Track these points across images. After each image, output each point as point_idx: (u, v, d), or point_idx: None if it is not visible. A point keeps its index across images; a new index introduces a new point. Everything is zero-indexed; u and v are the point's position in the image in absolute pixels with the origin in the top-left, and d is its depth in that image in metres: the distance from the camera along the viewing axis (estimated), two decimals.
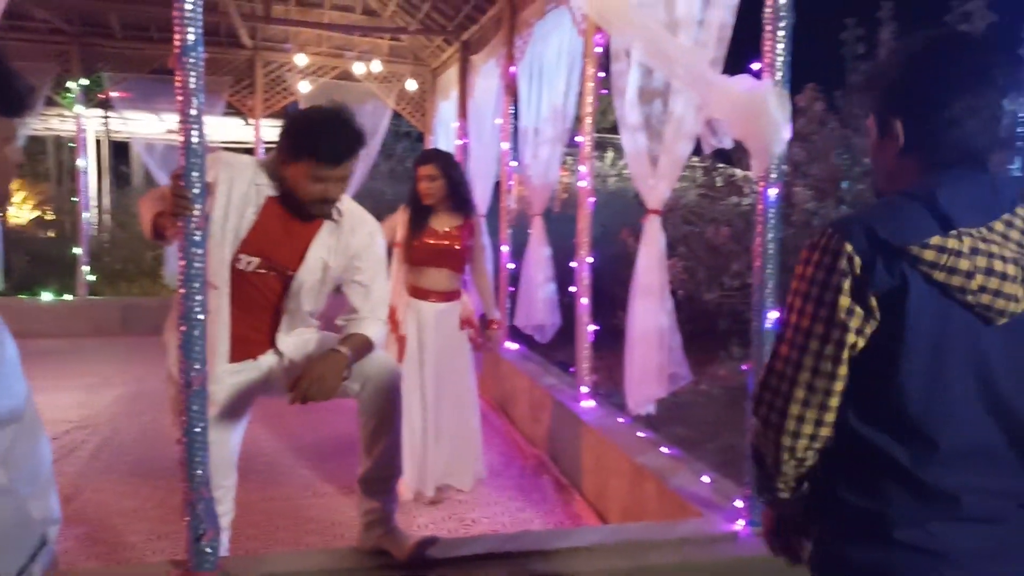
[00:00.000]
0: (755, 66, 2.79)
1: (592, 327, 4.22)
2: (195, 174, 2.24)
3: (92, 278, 8.41)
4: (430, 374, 3.86)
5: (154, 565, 2.53)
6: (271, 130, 12.59)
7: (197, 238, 2.24)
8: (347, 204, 2.54)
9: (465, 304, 4.00)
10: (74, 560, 3.23)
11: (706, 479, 3.16)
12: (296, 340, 2.59)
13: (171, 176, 2.29)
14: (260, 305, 2.53)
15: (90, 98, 8.50)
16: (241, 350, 2.52)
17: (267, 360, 2.59)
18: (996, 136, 1.26)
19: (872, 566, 1.24)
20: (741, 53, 3.09)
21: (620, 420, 3.91)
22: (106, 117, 11.62)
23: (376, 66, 8.22)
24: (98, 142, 13.26)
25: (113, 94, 8.45)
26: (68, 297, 8.34)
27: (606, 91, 4.52)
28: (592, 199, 4.29)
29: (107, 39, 8.07)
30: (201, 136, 2.26)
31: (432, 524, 3.63)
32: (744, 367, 2.82)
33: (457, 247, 3.85)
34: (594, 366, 4.29)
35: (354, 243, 2.55)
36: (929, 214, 1.16)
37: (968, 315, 1.16)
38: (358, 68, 8.26)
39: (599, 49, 4.26)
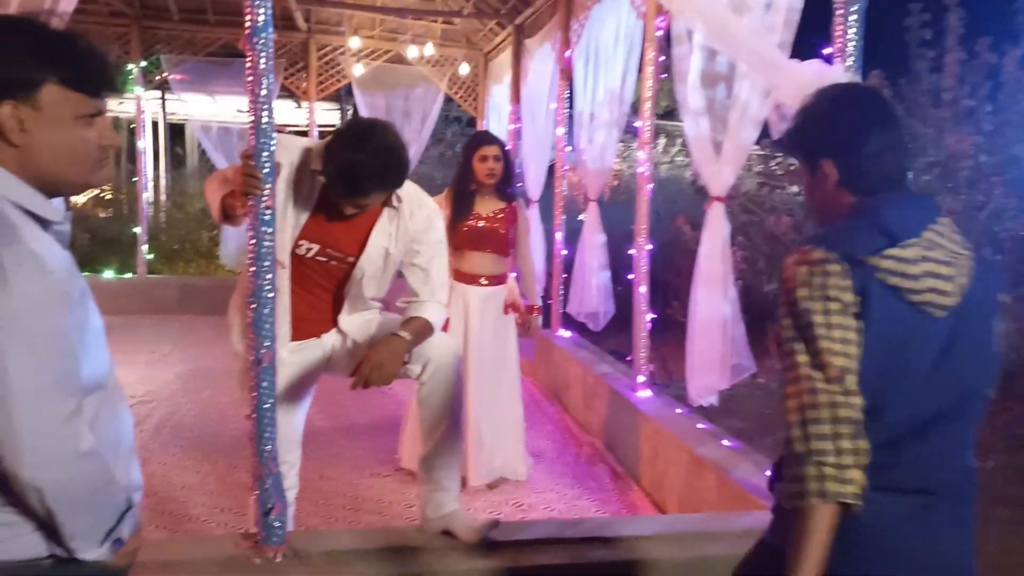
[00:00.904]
0: (825, 51, 2.72)
1: (650, 315, 4.17)
2: (265, 154, 2.25)
3: (150, 257, 8.59)
4: (474, 358, 3.83)
5: (225, 537, 2.57)
6: (324, 113, 12.76)
7: (267, 217, 2.26)
8: (406, 187, 2.53)
9: (511, 288, 3.97)
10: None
11: (768, 472, 3.10)
12: (358, 320, 2.61)
13: (241, 155, 2.31)
14: (322, 289, 2.54)
15: (148, 80, 8.64)
16: (304, 329, 2.54)
17: (330, 339, 2.61)
18: (908, 163, 1.57)
19: None
20: (806, 39, 3.02)
21: (678, 411, 3.86)
22: (163, 99, 11.85)
23: (429, 49, 8.21)
24: (155, 124, 13.51)
25: (170, 76, 8.58)
26: (128, 275, 8.53)
27: (666, 75, 4.46)
28: (650, 186, 4.24)
29: (165, 22, 8.19)
30: (271, 116, 2.27)
31: (488, 509, 3.64)
32: None
33: (502, 231, 3.82)
34: (649, 358, 4.24)
35: (413, 227, 2.54)
36: (877, 231, 1.40)
37: (915, 311, 1.38)
38: (411, 51, 8.27)
39: (660, 32, 4.19)
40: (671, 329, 5.51)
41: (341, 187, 2.29)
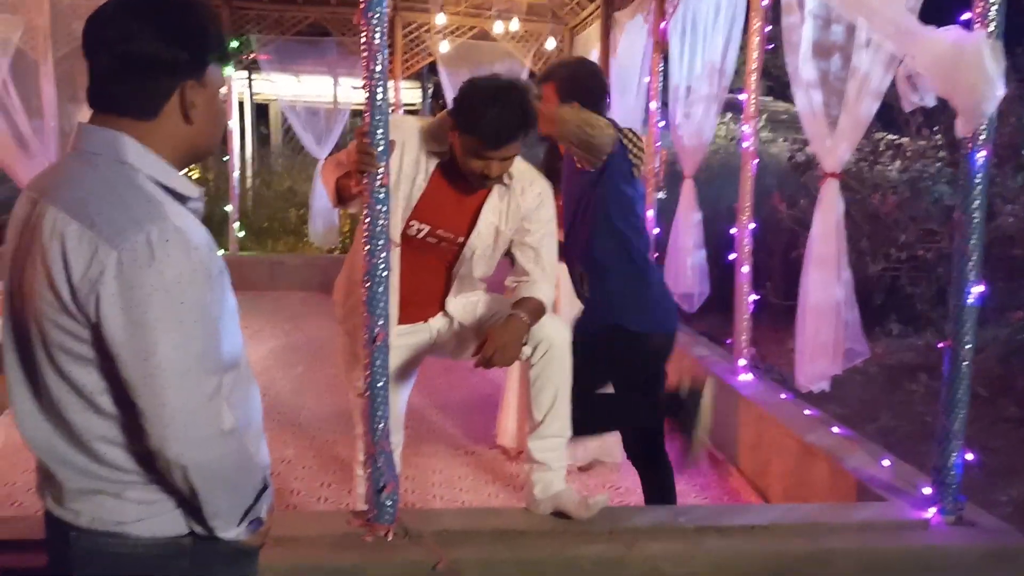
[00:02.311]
0: (963, 16, 2.54)
1: (752, 297, 4.03)
2: (380, 131, 2.22)
3: (241, 235, 8.79)
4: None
5: (336, 514, 2.60)
6: (409, 92, 12.80)
7: (382, 195, 2.23)
8: (517, 165, 2.47)
9: None
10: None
11: (886, 462, 2.96)
12: (464, 302, 2.58)
13: (356, 133, 2.29)
14: (431, 270, 2.52)
15: (238, 60, 8.78)
16: (412, 312, 2.52)
17: (437, 323, 2.59)
18: None
19: None
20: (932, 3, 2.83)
21: (783, 396, 3.73)
22: (249, 79, 12.06)
23: (514, 25, 8.11)
24: (240, 104, 13.80)
25: (259, 56, 8.71)
26: (220, 253, 8.73)
27: (772, 46, 4.28)
28: (755, 161, 4.08)
29: (255, 1, 8.30)
30: (385, 93, 2.24)
31: (585, 491, 3.57)
32: (940, 344, 2.60)
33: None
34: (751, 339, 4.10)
35: (524, 205, 2.49)
36: None
37: None
38: (496, 27, 8.19)
39: (766, 2, 4.01)
40: (767, 312, 5.35)
41: (484, 136, 2.23)
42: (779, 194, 6.19)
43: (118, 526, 1.31)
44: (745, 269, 4.02)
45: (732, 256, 4.12)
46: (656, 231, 5.54)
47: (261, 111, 15.01)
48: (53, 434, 1.30)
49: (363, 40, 2.20)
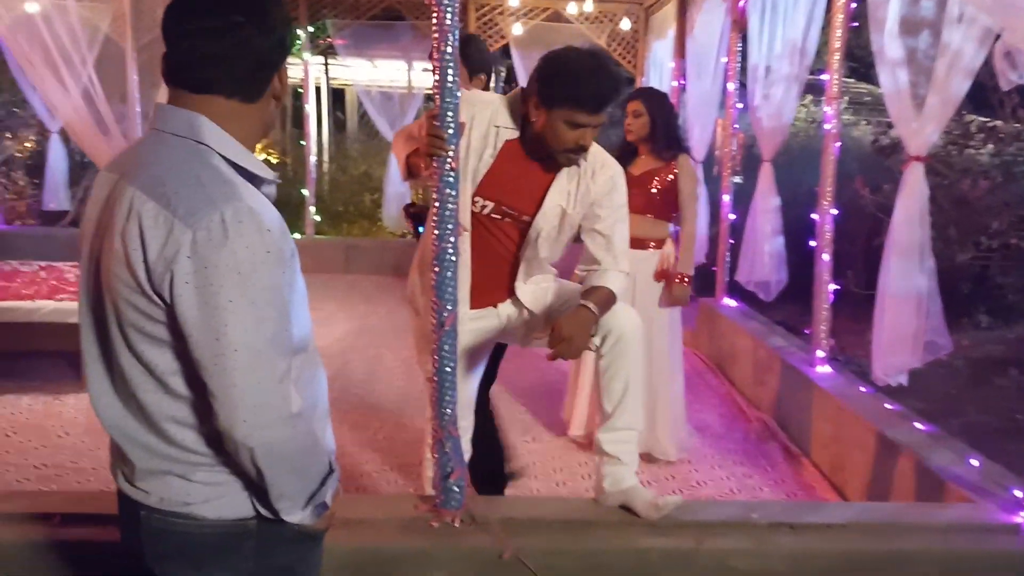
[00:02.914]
0: None
1: (833, 286, 3.88)
2: (450, 114, 2.20)
3: (317, 219, 8.94)
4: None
5: (404, 498, 2.61)
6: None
7: (451, 179, 2.21)
8: (591, 148, 2.42)
9: (666, 255, 3.68)
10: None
11: (975, 462, 2.82)
12: (534, 288, 2.53)
13: (426, 115, 2.27)
14: (497, 252, 2.48)
15: (314, 45, 8.91)
16: (481, 297, 2.49)
17: (506, 310, 2.55)
18: None
19: None
20: None
21: (862, 389, 3.59)
22: (326, 64, 12.23)
23: (588, 5, 7.99)
24: (317, 89, 14.02)
25: (335, 41, 8.80)
26: (297, 236, 8.92)
27: (857, 23, 4.09)
28: (837, 144, 3.91)
29: None
30: (455, 75, 2.21)
31: (654, 483, 3.53)
32: None
33: (654, 190, 3.61)
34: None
35: (595, 189, 2.42)
36: None
37: None
38: (570, 8, 8.08)
39: None
40: (847, 301, 5.16)
41: (584, 102, 2.19)
42: (862, 179, 5.95)
43: (186, 507, 1.33)
44: (825, 257, 3.87)
45: (812, 243, 3.97)
46: (732, 217, 5.41)
47: (337, 96, 15.21)
48: (125, 414, 1.33)
49: (434, 21, 2.17)
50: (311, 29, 8.50)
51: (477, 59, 3.27)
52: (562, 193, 2.41)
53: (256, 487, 1.33)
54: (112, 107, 4.66)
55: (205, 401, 1.26)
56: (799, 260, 4.60)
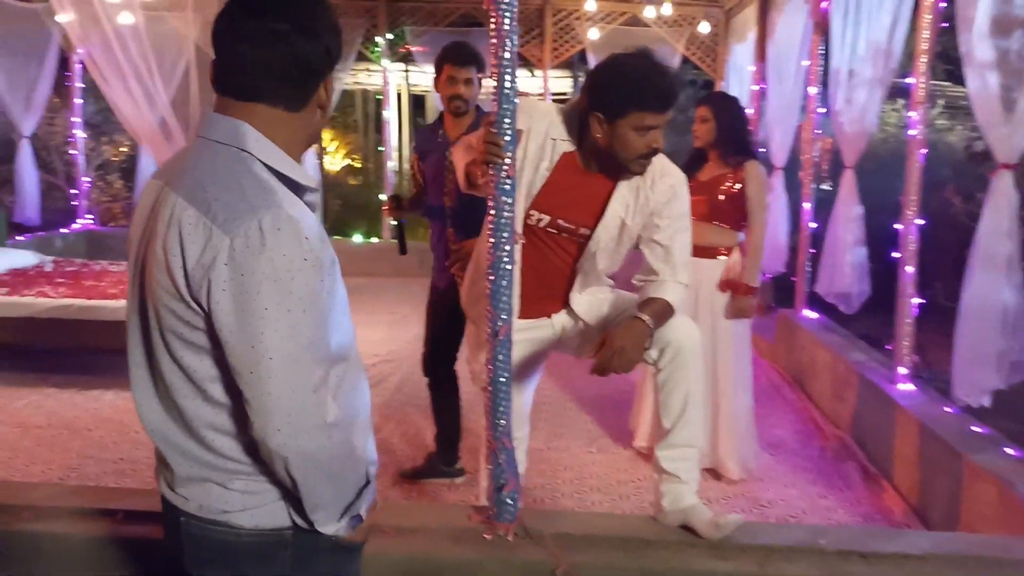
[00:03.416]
0: None
1: (916, 300, 3.68)
2: (507, 121, 2.16)
3: (393, 223, 9.04)
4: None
5: (458, 508, 2.58)
6: (558, 81, 12.76)
7: (507, 187, 2.17)
8: None
9: (730, 265, 3.53)
10: (379, 488, 3.43)
11: None
12: (590, 299, 2.48)
13: (483, 122, 2.24)
14: (553, 263, 2.43)
15: (393, 52, 9.03)
16: (535, 308, 2.45)
17: (560, 320, 2.50)
18: None
19: None
20: None
21: (947, 409, 3.38)
22: (406, 71, 12.42)
23: (667, 9, 7.86)
24: (398, 95, 14.25)
25: (414, 48, 8.91)
26: (374, 240, 9.06)
27: (947, 24, 3.89)
28: (923, 151, 3.72)
29: None
30: (514, 81, 2.17)
31: (723, 499, 3.41)
32: None
33: (720, 197, 3.48)
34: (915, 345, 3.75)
35: (654, 198, 2.35)
36: None
37: None
38: (648, 12, 7.97)
39: None
40: (934, 315, 4.90)
41: (652, 103, 2.15)
42: (953, 186, 5.66)
43: (223, 515, 1.33)
44: (909, 269, 3.68)
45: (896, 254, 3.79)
46: (813, 225, 5.21)
47: (418, 102, 15.43)
48: (167, 419, 1.34)
49: (492, 25, 2.15)
50: (390, 36, 8.62)
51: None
52: (622, 204, 2.34)
53: (292, 497, 1.32)
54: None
55: (243, 409, 1.26)
56: (888, 270, 4.39)
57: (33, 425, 4.07)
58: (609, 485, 3.55)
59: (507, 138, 2.16)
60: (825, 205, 5.04)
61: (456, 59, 3.18)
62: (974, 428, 3.19)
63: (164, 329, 1.28)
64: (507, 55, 2.15)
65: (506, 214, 2.18)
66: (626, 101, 2.16)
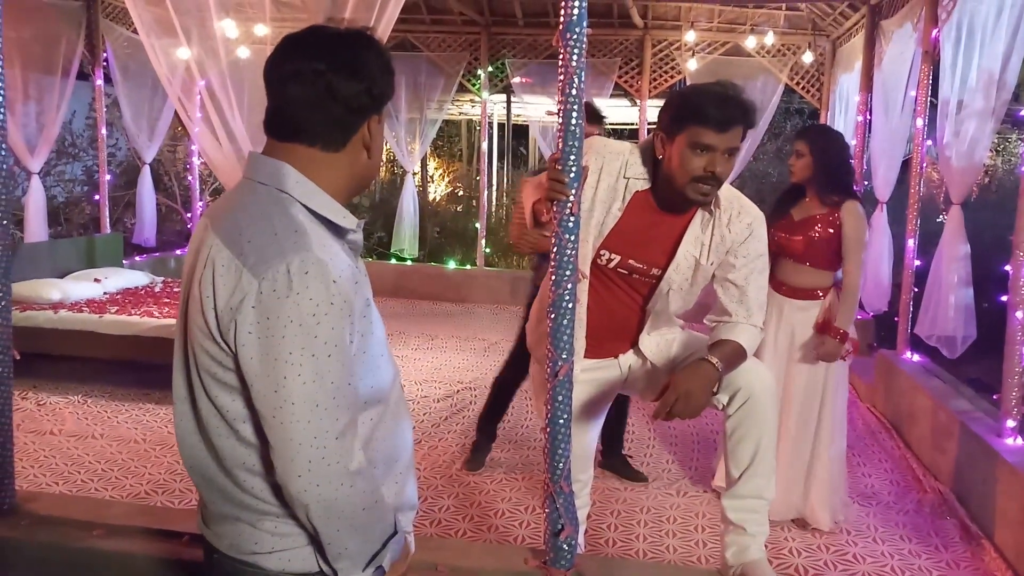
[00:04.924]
0: None
1: None
2: (572, 157, 2.13)
3: (487, 251, 9.15)
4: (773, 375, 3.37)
5: (516, 550, 2.54)
6: (655, 111, 12.63)
7: (571, 224, 2.14)
8: (725, 192, 2.27)
9: (827, 307, 3.37)
10: (449, 519, 3.44)
11: None
12: (658, 340, 2.41)
13: (549, 159, 2.23)
14: (623, 303, 2.38)
15: (494, 84, 9.17)
16: (601, 347, 2.40)
17: (627, 360, 2.44)
18: None
19: None
20: None
21: None
22: (508, 102, 12.57)
23: (769, 38, 7.69)
24: (501, 126, 14.43)
25: (515, 80, 9.01)
26: (468, 267, 9.17)
27: None
28: None
29: (511, 27, 8.61)
30: (579, 117, 2.15)
31: (806, 552, 3.24)
32: None
33: (814, 236, 3.34)
34: None
35: (730, 236, 2.27)
36: None
37: None
38: (749, 42, 7.81)
39: None
40: None
41: (708, 118, 2.10)
42: None
43: (253, 556, 1.33)
44: (1020, 315, 3.42)
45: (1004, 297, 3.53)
46: (917, 263, 4.94)
47: (521, 132, 15.60)
48: (205, 456, 1.35)
49: (560, 61, 2.13)
50: (490, 69, 8.77)
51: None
52: (695, 243, 2.28)
53: (318, 543, 1.31)
54: None
55: None
56: (996, 311, 4.10)
57: (130, 439, 4.28)
58: (688, 531, 3.42)
59: (571, 175, 2.13)
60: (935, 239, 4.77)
61: None
62: None
63: (200, 368, 1.30)
64: (573, 92, 2.13)
65: (569, 252, 2.15)
66: (684, 114, 2.13)
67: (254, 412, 1.27)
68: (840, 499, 3.50)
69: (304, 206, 1.31)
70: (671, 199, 2.25)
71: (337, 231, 1.35)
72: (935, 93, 4.73)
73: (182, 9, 4.29)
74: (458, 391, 5.38)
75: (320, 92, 1.30)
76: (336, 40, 1.34)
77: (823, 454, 3.43)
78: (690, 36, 7.97)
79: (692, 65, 8.10)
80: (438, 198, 13.73)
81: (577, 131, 2.14)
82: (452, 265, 9.23)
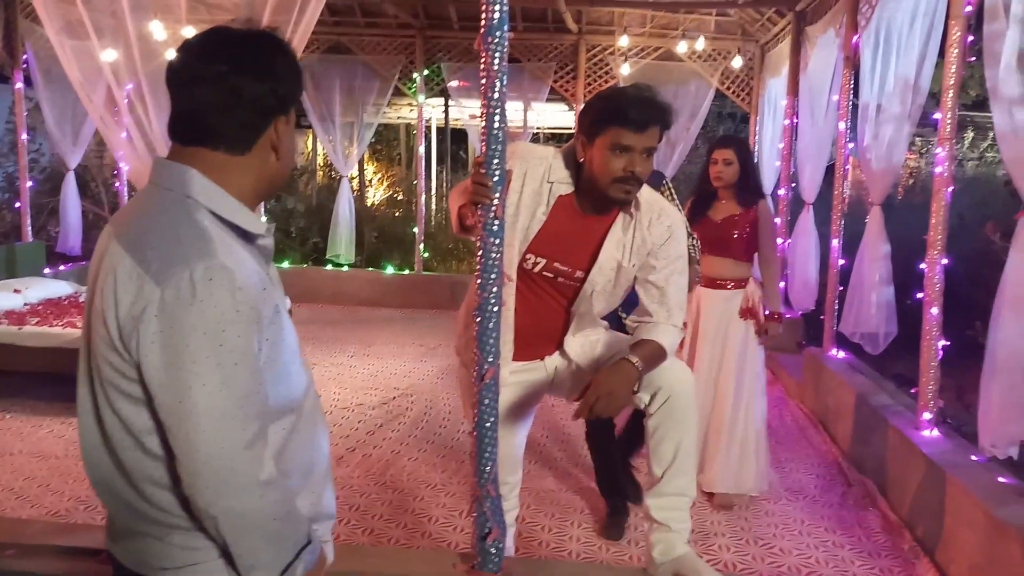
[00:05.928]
0: None
1: (941, 343, 3.54)
2: (496, 161, 2.14)
3: (426, 255, 9.10)
4: (704, 362, 3.71)
5: (443, 554, 2.53)
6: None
7: (495, 227, 2.14)
8: (645, 195, 2.31)
9: (749, 294, 3.75)
10: (382, 527, 3.41)
11: None
12: (583, 341, 2.43)
13: (473, 163, 2.23)
14: (548, 306, 2.39)
15: (430, 87, 9.14)
16: (528, 350, 2.41)
17: (553, 362, 2.46)
18: None
19: None
20: None
21: (973, 458, 3.23)
22: (446, 106, 12.54)
23: (700, 44, 7.83)
24: (440, 129, 14.40)
25: (451, 83, 8.99)
26: (407, 271, 9.11)
27: (974, 59, 3.78)
28: (950, 188, 3.60)
29: (446, 31, 8.59)
30: (503, 121, 2.15)
31: (732, 547, 3.30)
32: None
33: (736, 235, 3.70)
34: (941, 388, 3.60)
35: (651, 239, 2.31)
36: None
37: None
38: (681, 47, 7.95)
39: (969, 8, 3.54)
40: (974, 356, 4.71)
41: (626, 118, 2.14)
42: (993, 223, 5.47)
43: (161, 572, 1.29)
44: (934, 311, 3.55)
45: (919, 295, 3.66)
46: (841, 262, 5.08)
47: (460, 136, 15.56)
48: (111, 470, 1.31)
49: (482, 65, 2.13)
50: (426, 72, 8.74)
51: None
52: (618, 246, 2.31)
53: (229, 556, 1.28)
54: None
55: None
56: (919, 309, 4.24)
57: (51, 454, 4.14)
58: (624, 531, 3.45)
59: (495, 179, 2.14)
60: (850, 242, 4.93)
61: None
62: (1001, 479, 3.03)
63: (104, 380, 1.26)
64: (496, 95, 2.13)
65: (493, 255, 2.15)
66: (603, 117, 2.17)
67: (160, 424, 1.23)
68: (767, 464, 3.80)
69: (211, 211, 1.28)
70: (594, 202, 2.28)
71: (246, 236, 1.33)
72: (857, 97, 4.88)
73: (95, 8, 4.16)
74: (394, 398, 5.34)
75: (224, 94, 1.27)
76: (240, 41, 1.31)
77: (753, 423, 3.73)
78: (623, 41, 8.06)
79: (625, 70, 8.20)
80: (376, 203, 13.62)
81: (500, 135, 2.14)
82: (390, 270, 9.16)
